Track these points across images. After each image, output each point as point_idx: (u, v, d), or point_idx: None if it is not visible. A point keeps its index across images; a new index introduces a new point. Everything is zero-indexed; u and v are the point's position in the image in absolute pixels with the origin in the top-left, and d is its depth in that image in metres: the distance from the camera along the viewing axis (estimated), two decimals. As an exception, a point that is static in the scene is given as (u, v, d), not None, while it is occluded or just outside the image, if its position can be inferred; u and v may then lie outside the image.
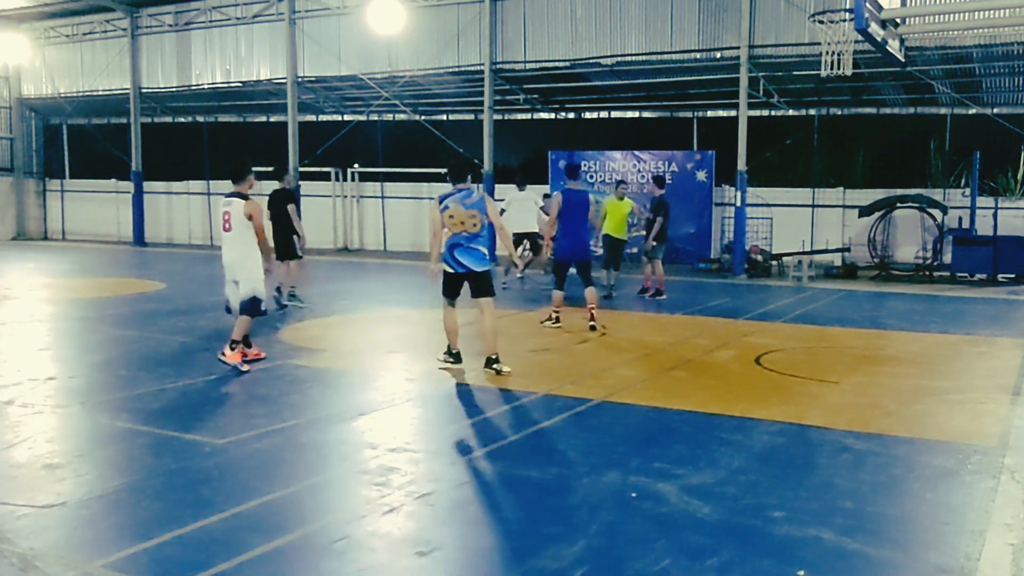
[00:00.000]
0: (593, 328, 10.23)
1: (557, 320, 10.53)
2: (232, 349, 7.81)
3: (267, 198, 11.56)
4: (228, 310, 8.19)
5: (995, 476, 5.13)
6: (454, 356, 8.10)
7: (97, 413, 6.50)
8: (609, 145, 22.22)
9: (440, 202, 7.73)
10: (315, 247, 23.55)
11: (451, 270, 7.83)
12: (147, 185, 26.16)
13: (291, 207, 11.82)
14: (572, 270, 10.67)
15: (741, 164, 17.79)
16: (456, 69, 20.92)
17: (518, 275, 15.50)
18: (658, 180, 14.24)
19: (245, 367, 7.81)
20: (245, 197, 7.89)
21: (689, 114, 22.57)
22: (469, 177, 7.92)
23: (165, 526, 4.24)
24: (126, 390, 7.21)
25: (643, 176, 20.53)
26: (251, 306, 7.88)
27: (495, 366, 7.82)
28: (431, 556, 4.00)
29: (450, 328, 8.02)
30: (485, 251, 7.86)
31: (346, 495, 4.86)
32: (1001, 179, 18.92)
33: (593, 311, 10.38)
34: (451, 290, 7.95)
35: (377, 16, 18.64)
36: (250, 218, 7.76)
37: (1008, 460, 5.43)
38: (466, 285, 7.93)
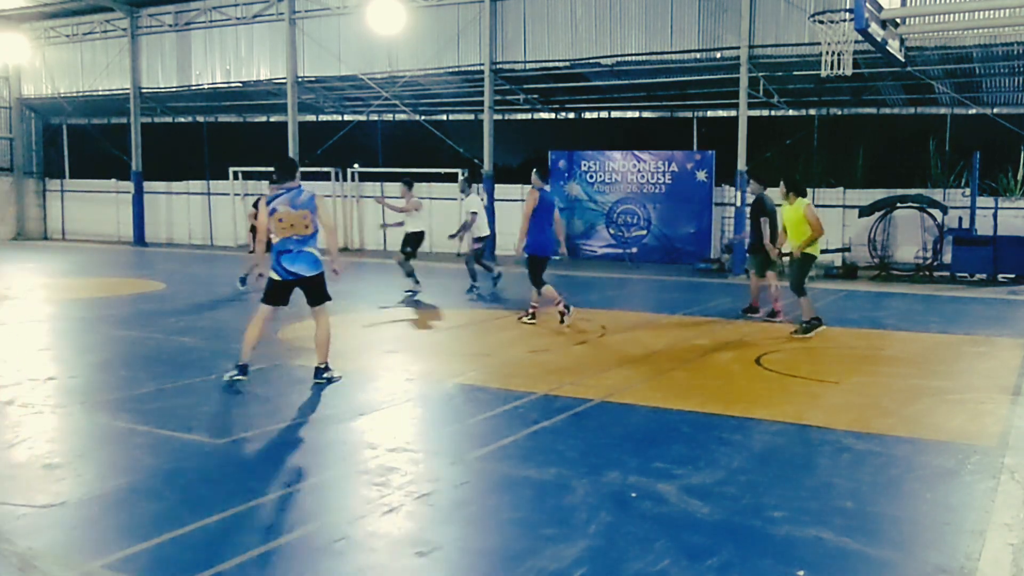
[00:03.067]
0: (532, 319, 10.71)
1: (567, 310, 10.60)
2: None
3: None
4: None
5: (995, 476, 5.13)
6: (240, 368, 7.21)
7: (97, 413, 6.50)
8: (609, 145, 22.24)
9: (268, 204, 7.16)
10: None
11: (278, 278, 7.14)
12: (147, 185, 26.16)
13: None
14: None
15: (741, 164, 17.80)
16: (456, 69, 20.92)
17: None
18: (755, 176, 11.83)
19: None
20: None
21: (689, 114, 22.58)
22: (298, 175, 7.36)
23: (165, 526, 4.24)
24: (126, 390, 7.21)
25: (643, 176, 20.55)
26: None
27: (325, 375, 7.32)
28: (431, 556, 4.00)
29: (250, 338, 7.19)
30: (317, 253, 7.24)
31: (346, 495, 4.86)
32: (1001, 179, 18.91)
33: (535, 308, 10.84)
34: (277, 298, 7.24)
35: (377, 16, 18.64)
36: None
37: (1008, 460, 5.43)
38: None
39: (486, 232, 14.26)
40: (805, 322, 9.98)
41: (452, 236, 14.76)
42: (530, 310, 10.84)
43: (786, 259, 10.77)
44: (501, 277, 14.32)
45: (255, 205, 12.57)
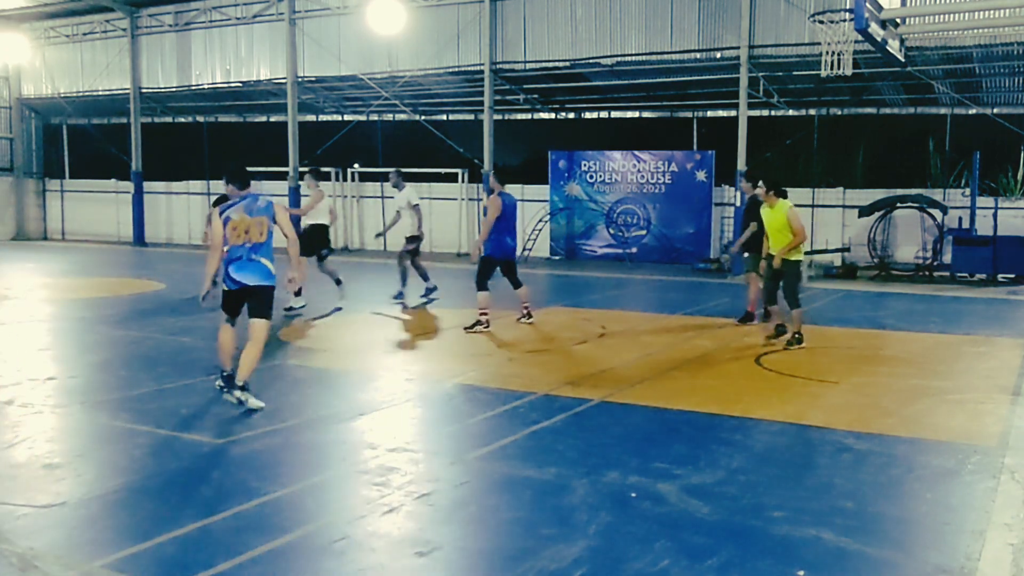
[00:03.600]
0: (530, 318, 10.68)
1: (488, 324, 10.23)
2: None
3: None
4: None
5: (995, 476, 5.13)
6: (226, 379, 6.86)
7: (97, 413, 6.50)
8: (609, 145, 22.24)
9: (221, 214, 6.74)
10: (315, 247, 23.62)
11: (226, 288, 6.78)
12: (147, 185, 26.16)
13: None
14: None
15: (741, 164, 17.79)
16: (456, 69, 20.92)
17: None
18: (752, 178, 11.22)
19: None
20: None
21: (689, 114, 22.58)
22: (251, 183, 6.99)
23: (165, 526, 4.24)
24: (126, 390, 7.21)
25: (643, 176, 20.55)
26: None
27: (238, 394, 6.58)
28: (431, 556, 4.00)
29: (224, 347, 6.87)
30: (269, 264, 6.75)
31: (346, 495, 4.86)
32: (1001, 179, 18.92)
33: (528, 306, 10.77)
34: (230, 308, 6.86)
35: (377, 16, 18.64)
36: None
37: (1008, 460, 5.43)
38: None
39: (418, 231, 12.81)
40: (797, 333, 9.27)
41: (411, 237, 12.69)
42: (524, 310, 10.76)
43: (764, 263, 9.82)
44: (436, 290, 12.73)
45: (209, 220, 9.37)
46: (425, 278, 12.72)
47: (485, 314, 10.26)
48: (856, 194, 19.24)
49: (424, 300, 12.61)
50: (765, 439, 5.91)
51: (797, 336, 9.30)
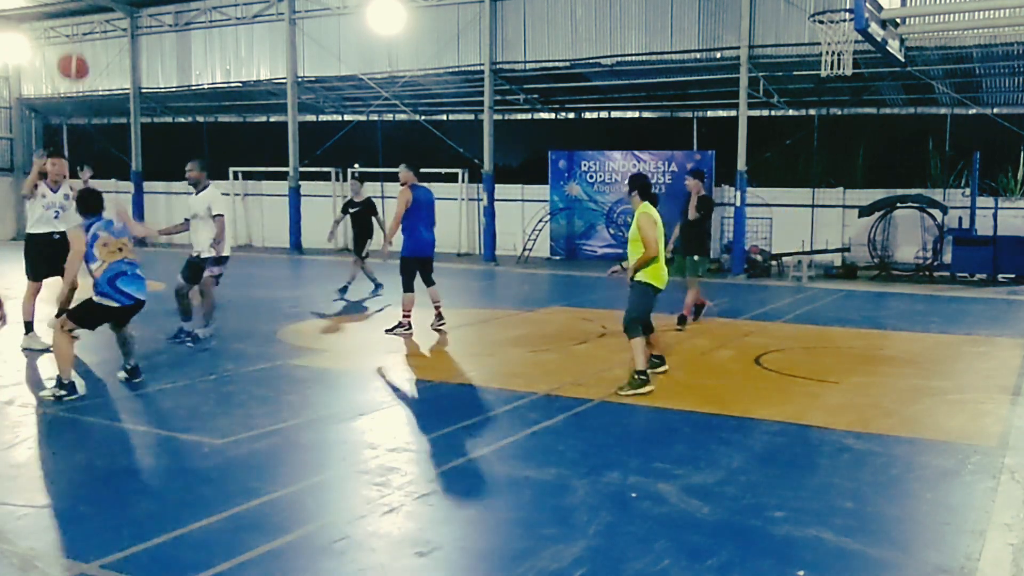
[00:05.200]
0: (442, 325, 10.03)
1: (409, 327, 9.77)
2: None
3: None
4: None
5: (995, 476, 5.13)
6: (67, 387, 6.73)
7: (97, 413, 6.50)
8: (609, 145, 22.24)
9: (87, 231, 6.91)
10: (315, 247, 23.58)
11: (115, 304, 6.80)
12: (147, 185, 26.14)
13: None
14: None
15: (741, 164, 17.79)
16: (456, 69, 20.92)
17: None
18: (697, 173, 10.94)
19: None
20: None
21: (689, 114, 22.58)
22: (104, 207, 7.20)
23: (165, 526, 4.24)
24: (126, 390, 7.21)
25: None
26: None
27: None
28: (431, 556, 4.00)
29: (68, 356, 6.78)
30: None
31: (346, 495, 4.86)
32: (1001, 179, 18.93)
33: (439, 306, 10.12)
34: (95, 323, 6.97)
35: (377, 16, 18.63)
36: None
37: (1008, 460, 5.43)
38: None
39: (227, 252, 10.44)
40: (637, 372, 7.10)
41: (213, 245, 10.28)
42: (436, 310, 10.12)
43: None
44: (199, 342, 9.41)
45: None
46: (187, 315, 9.98)
47: (408, 316, 9.77)
48: (856, 194, 19.25)
49: (178, 341, 9.54)
50: (765, 439, 5.91)
51: (637, 377, 7.08)
